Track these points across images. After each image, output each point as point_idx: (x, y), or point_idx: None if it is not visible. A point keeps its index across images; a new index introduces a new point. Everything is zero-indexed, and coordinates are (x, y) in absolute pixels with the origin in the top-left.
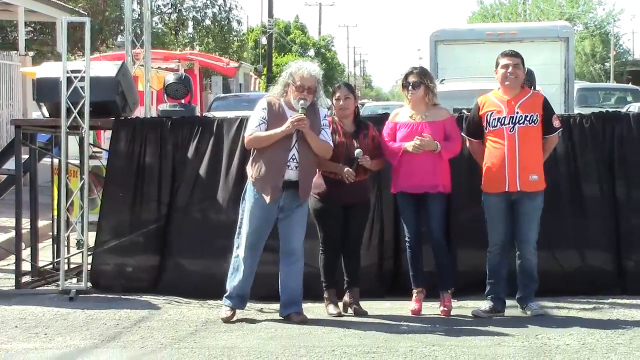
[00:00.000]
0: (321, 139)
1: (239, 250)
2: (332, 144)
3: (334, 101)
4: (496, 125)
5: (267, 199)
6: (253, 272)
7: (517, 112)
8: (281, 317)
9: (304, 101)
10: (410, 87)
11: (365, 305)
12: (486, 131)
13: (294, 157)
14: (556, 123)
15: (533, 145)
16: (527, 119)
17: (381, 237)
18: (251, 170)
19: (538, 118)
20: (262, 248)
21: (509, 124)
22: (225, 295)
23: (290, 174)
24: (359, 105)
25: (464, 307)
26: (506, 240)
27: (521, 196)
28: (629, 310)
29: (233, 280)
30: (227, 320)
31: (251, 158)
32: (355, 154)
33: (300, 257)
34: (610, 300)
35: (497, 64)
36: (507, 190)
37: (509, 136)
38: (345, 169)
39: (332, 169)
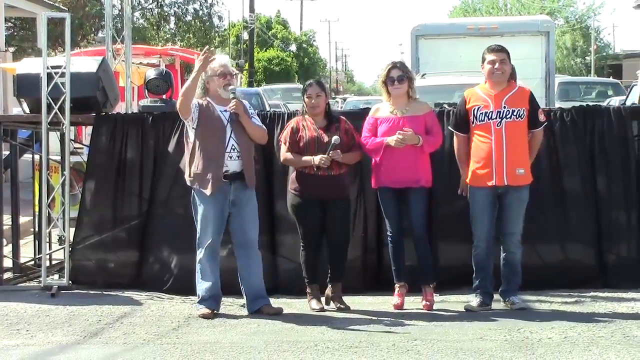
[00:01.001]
0: (255, 123)
1: (201, 255)
2: (265, 129)
3: (305, 99)
4: (483, 120)
5: (209, 191)
6: (218, 270)
7: (504, 107)
8: (250, 312)
9: (233, 86)
10: (395, 82)
11: (347, 299)
12: (473, 125)
13: (234, 147)
14: (541, 117)
15: (520, 139)
16: (514, 113)
17: (364, 231)
18: (188, 171)
19: (524, 112)
20: (219, 245)
21: (496, 118)
22: (198, 301)
23: (234, 165)
24: (336, 100)
25: (446, 302)
26: (491, 234)
27: (507, 190)
28: (610, 304)
29: (202, 285)
30: (206, 317)
31: (187, 160)
32: (333, 140)
33: (257, 249)
34: (591, 294)
35: (483, 59)
36: (494, 184)
37: (497, 131)
38: (319, 157)
39: (304, 164)
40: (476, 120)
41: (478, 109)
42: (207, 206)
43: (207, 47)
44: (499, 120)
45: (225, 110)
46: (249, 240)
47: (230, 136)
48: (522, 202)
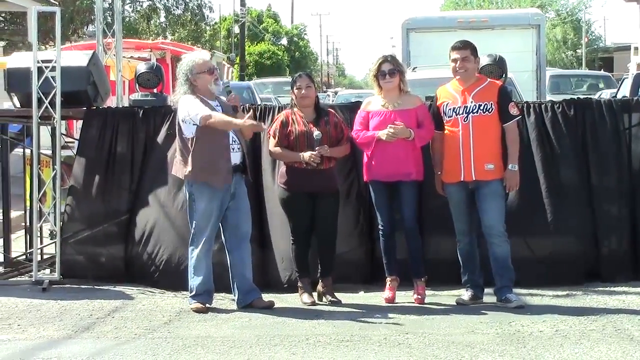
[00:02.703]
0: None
1: (197, 249)
2: None
3: (295, 90)
4: (451, 116)
5: (220, 183)
6: (211, 265)
7: (471, 102)
8: (241, 307)
9: (227, 80)
10: (386, 76)
11: (339, 293)
12: (444, 122)
13: (234, 139)
14: (513, 111)
15: (488, 134)
16: (481, 107)
17: (358, 224)
18: (189, 166)
19: (493, 106)
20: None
21: (463, 113)
22: (191, 296)
23: (236, 157)
24: (327, 94)
25: (438, 295)
26: (472, 228)
27: (478, 185)
28: (601, 297)
29: (196, 280)
30: (200, 311)
31: (190, 153)
32: (315, 135)
33: (249, 243)
34: (583, 287)
35: (449, 56)
36: (462, 179)
37: (464, 126)
38: (309, 153)
39: (294, 159)
40: (445, 116)
41: (447, 105)
42: (211, 200)
43: (260, 123)
44: (466, 115)
45: (218, 105)
46: (243, 233)
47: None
48: (495, 196)
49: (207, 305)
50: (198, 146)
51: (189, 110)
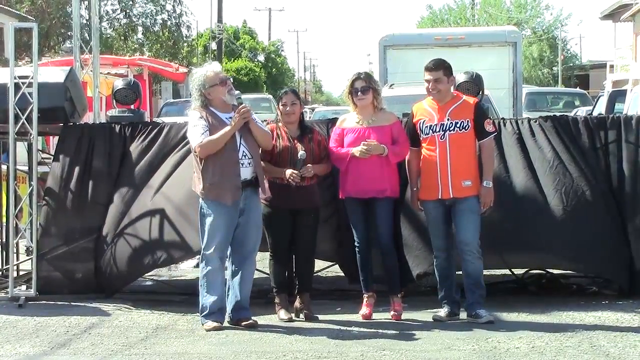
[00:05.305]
0: (263, 127)
1: (209, 266)
2: (270, 133)
3: (280, 107)
4: (428, 133)
5: (229, 201)
6: (225, 283)
7: (448, 119)
8: (229, 323)
9: (238, 91)
10: (359, 93)
11: (316, 310)
12: (420, 139)
13: (245, 154)
14: (489, 127)
15: (465, 151)
16: (458, 125)
17: (340, 240)
18: (201, 183)
19: (469, 124)
20: (227, 256)
21: (439, 131)
22: (203, 315)
23: (246, 172)
24: (304, 110)
25: (415, 312)
26: (449, 244)
27: (454, 201)
28: (577, 314)
29: (209, 298)
30: (215, 330)
31: (200, 170)
32: (299, 155)
33: (254, 260)
34: (559, 304)
35: (424, 75)
36: (440, 197)
37: (440, 143)
38: (289, 172)
39: (276, 174)
40: (422, 133)
41: (423, 122)
42: (219, 216)
43: (244, 105)
44: (443, 132)
45: (230, 117)
46: (248, 250)
47: (241, 143)
48: (472, 212)
49: (221, 323)
50: (206, 164)
51: (189, 137)
